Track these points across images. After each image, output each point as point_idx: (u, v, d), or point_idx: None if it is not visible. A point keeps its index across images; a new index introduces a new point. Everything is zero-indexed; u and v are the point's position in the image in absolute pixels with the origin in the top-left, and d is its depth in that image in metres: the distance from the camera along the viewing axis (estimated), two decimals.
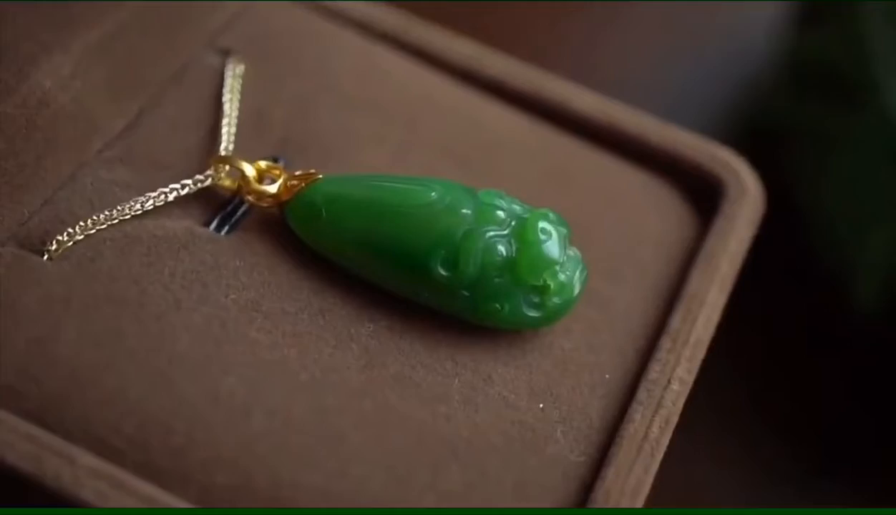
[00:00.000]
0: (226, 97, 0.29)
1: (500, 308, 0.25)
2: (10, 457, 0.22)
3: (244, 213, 0.27)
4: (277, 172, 0.27)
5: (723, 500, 0.40)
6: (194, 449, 0.23)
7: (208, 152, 0.28)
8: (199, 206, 0.27)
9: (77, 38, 0.28)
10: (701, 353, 0.26)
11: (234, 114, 0.28)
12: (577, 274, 0.26)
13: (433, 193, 0.26)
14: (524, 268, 0.25)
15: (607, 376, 0.26)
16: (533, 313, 0.25)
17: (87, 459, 0.22)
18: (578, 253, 0.26)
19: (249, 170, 0.27)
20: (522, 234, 0.25)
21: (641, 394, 0.25)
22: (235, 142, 0.28)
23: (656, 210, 0.30)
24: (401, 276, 0.25)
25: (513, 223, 0.25)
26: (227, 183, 0.27)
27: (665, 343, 0.26)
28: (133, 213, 0.26)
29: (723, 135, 0.34)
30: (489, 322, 0.26)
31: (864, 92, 0.39)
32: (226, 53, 0.30)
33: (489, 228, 0.25)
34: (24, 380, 0.23)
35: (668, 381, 0.26)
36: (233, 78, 0.29)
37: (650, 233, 0.29)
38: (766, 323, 0.44)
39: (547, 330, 0.26)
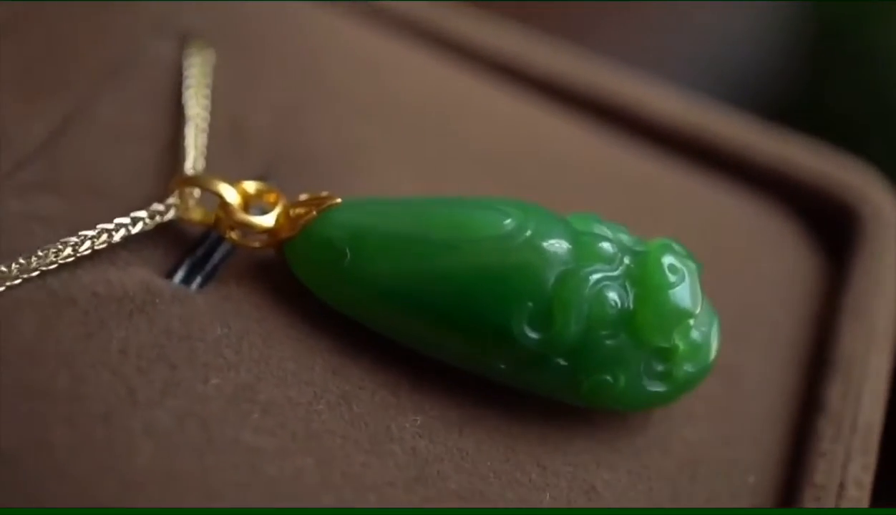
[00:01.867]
0: (188, 95, 0.21)
1: (611, 381, 0.17)
2: None
3: (224, 257, 0.19)
4: (273, 198, 0.19)
5: None
6: None
7: (167, 172, 0.20)
8: (157, 249, 0.19)
9: None
10: (875, 441, 0.19)
11: (204, 117, 0.20)
12: (713, 330, 0.18)
13: (508, 220, 0.18)
14: (649, 324, 0.17)
15: (752, 480, 0.19)
16: (656, 387, 0.18)
17: None
18: (708, 300, 0.19)
19: (231, 194, 0.18)
20: (644, 276, 0.17)
21: (808, 505, 0.18)
22: (207, 158, 0.20)
23: (770, 245, 0.22)
24: (465, 344, 0.17)
25: (626, 260, 0.18)
26: (197, 215, 0.19)
27: (824, 428, 0.19)
28: (61, 261, 0.18)
29: None
30: (593, 402, 0.18)
31: None
32: (183, 38, 0.22)
33: (594, 268, 0.17)
34: None
35: (841, 486, 0.18)
36: (198, 70, 0.21)
37: (769, 276, 0.22)
38: None
39: (661, 414, 0.19)
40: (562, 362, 0.17)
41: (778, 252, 0.22)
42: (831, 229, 0.23)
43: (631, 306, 0.17)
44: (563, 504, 0.17)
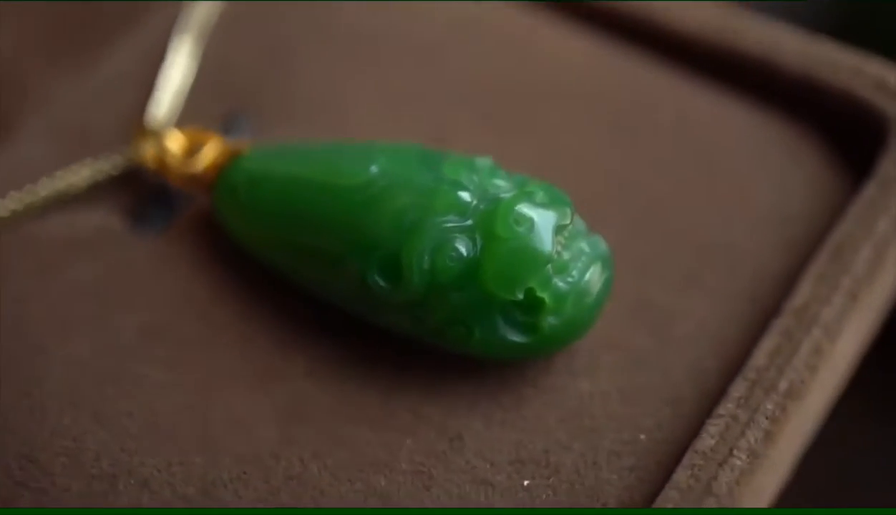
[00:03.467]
0: (180, 40, 0.22)
1: (465, 332, 0.17)
2: None
3: (177, 201, 0.21)
4: (206, 142, 0.20)
5: None
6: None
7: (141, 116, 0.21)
8: (123, 193, 0.21)
9: None
10: (796, 409, 0.17)
11: (191, 62, 0.22)
12: (593, 274, 0.17)
13: (373, 167, 0.18)
14: (491, 277, 0.17)
15: (643, 437, 0.17)
16: (518, 338, 0.17)
17: None
18: (600, 239, 0.17)
19: (175, 142, 0.20)
20: (490, 227, 0.17)
21: (681, 476, 0.16)
22: (189, 99, 0.21)
23: (779, 171, 0.20)
24: (332, 284, 0.18)
25: (482, 207, 0.17)
26: (148, 162, 0.20)
27: (738, 389, 0.17)
28: (35, 203, 0.20)
29: None
30: (459, 349, 0.18)
31: None
32: None
33: (445, 219, 0.17)
34: None
35: (727, 456, 0.16)
36: (200, 14, 0.22)
37: (767, 210, 0.19)
38: None
39: (564, 363, 0.18)
40: (417, 311, 0.17)
41: (787, 182, 0.20)
42: (856, 147, 0.19)
43: (478, 257, 0.17)
44: (423, 453, 0.17)
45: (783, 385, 0.17)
